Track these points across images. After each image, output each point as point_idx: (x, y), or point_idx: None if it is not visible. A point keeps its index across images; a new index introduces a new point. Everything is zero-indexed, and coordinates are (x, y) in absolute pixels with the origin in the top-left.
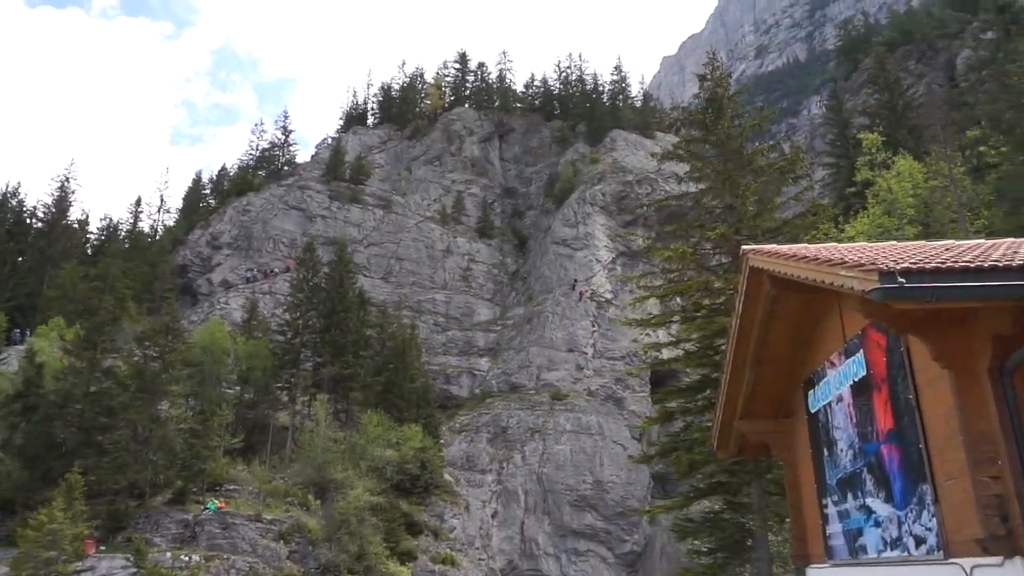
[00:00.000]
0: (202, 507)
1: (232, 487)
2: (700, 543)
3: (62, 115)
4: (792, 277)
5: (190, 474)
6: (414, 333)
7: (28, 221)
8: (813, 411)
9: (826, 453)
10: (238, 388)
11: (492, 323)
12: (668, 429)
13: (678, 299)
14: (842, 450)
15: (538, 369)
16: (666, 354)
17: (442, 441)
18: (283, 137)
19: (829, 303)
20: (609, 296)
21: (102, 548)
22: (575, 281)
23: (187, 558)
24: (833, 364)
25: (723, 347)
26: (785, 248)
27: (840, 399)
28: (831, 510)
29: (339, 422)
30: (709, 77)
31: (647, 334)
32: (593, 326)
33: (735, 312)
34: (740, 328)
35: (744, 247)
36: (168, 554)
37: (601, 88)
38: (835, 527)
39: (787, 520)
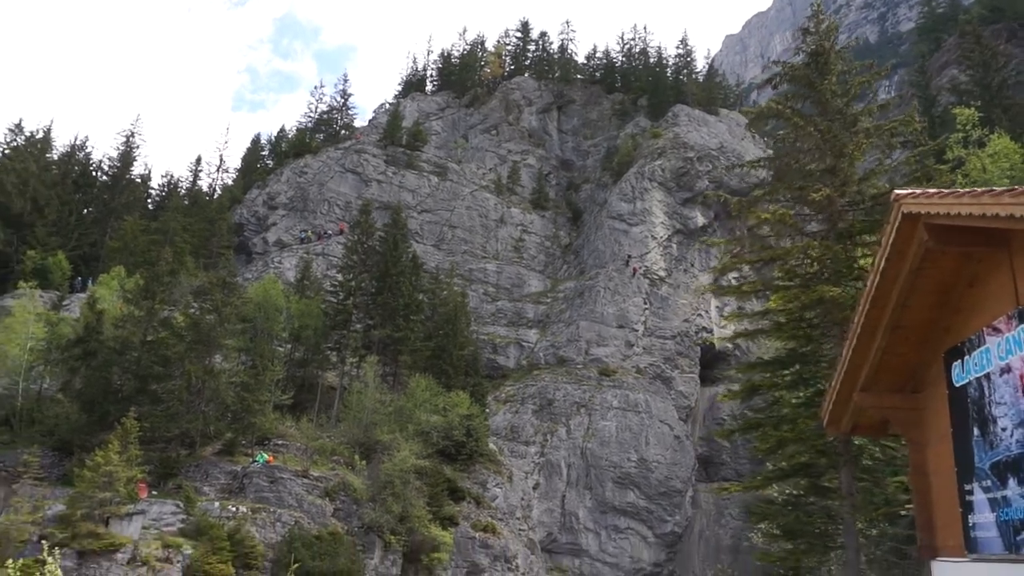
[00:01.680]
0: (251, 460)
1: (280, 442)
2: (778, 527)
3: (130, 75)
4: (961, 217)
5: (240, 427)
6: (464, 301)
7: (94, 174)
8: (959, 385)
9: (976, 432)
10: (289, 346)
11: (542, 295)
12: (749, 404)
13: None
14: (1004, 429)
15: (587, 344)
16: (748, 325)
17: (487, 410)
18: (342, 101)
19: (994, 259)
20: (663, 274)
21: (154, 493)
22: (629, 257)
23: (234, 508)
24: (997, 331)
25: (814, 319)
26: (948, 190)
27: (1007, 370)
28: (979, 497)
29: (387, 385)
30: (813, 30)
31: (700, 314)
32: (645, 303)
33: (873, 270)
34: (878, 288)
35: (896, 191)
36: (216, 503)
37: (665, 62)
38: (983, 517)
39: (879, 509)
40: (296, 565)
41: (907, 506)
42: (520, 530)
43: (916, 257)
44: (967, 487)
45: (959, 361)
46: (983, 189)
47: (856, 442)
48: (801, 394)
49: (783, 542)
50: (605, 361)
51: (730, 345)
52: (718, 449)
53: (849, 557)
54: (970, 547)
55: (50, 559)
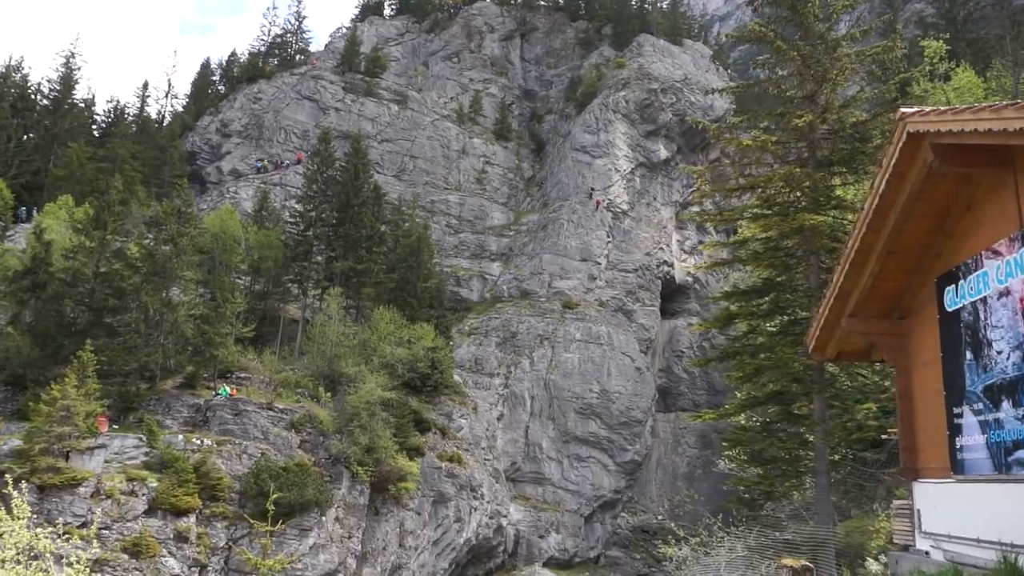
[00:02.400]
0: (214, 393)
1: (243, 375)
2: (752, 453)
3: None
4: (971, 135)
5: (201, 360)
6: (427, 233)
7: (33, 97)
8: (951, 309)
9: (969, 356)
10: (249, 278)
11: (505, 228)
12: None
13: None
14: (1000, 352)
15: (550, 277)
16: (725, 255)
17: (451, 343)
18: (296, 24)
19: (998, 179)
20: (625, 207)
21: (115, 427)
22: (592, 190)
23: (199, 441)
24: (997, 253)
25: (792, 248)
26: (953, 107)
27: (1006, 293)
28: (968, 420)
29: (350, 317)
30: None
31: (661, 247)
32: (608, 237)
33: (872, 192)
34: (875, 211)
35: (903, 109)
36: (180, 437)
37: None
38: (972, 439)
39: (852, 435)
40: (275, 495)
41: (880, 432)
42: (485, 460)
43: (917, 179)
44: (956, 410)
45: (952, 286)
46: (983, 104)
47: (828, 370)
48: (777, 322)
49: (756, 467)
50: (568, 294)
51: (690, 278)
52: (676, 380)
53: (819, 481)
54: (956, 468)
55: (15, 493)
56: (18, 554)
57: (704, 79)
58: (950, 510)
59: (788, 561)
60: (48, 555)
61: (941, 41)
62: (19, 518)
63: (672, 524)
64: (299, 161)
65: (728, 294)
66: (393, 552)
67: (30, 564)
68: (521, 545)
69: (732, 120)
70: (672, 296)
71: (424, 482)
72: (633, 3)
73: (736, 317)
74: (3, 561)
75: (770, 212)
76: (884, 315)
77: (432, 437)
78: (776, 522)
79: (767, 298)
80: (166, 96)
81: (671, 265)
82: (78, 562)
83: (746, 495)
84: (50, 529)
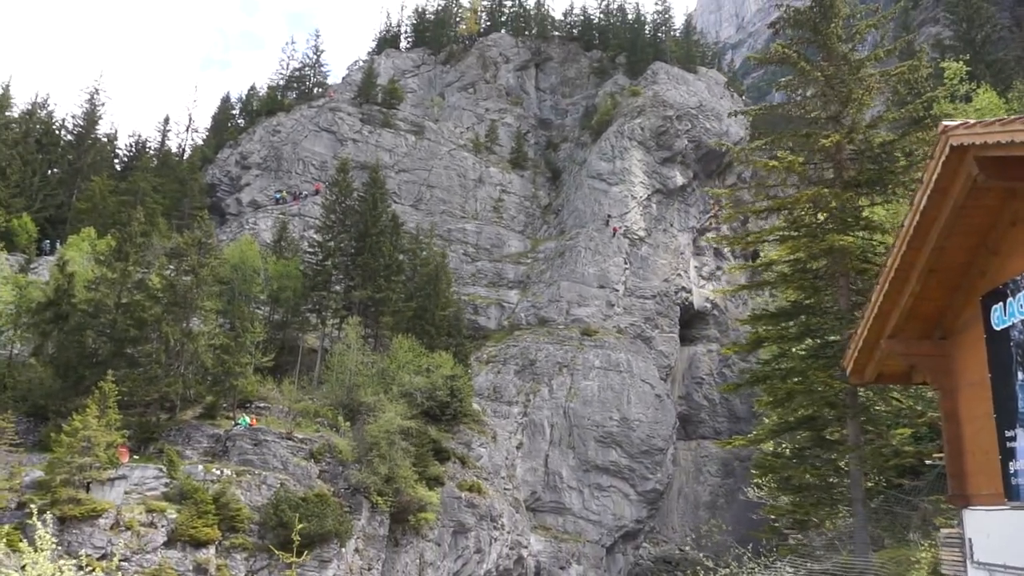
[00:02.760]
0: (233, 423)
1: (262, 405)
2: (784, 481)
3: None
4: (1018, 146)
5: (221, 390)
6: (445, 261)
7: (57, 132)
8: (999, 328)
9: (1020, 376)
10: (267, 308)
11: (523, 255)
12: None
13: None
14: None
15: (568, 304)
16: (751, 278)
17: (470, 371)
18: (314, 57)
19: None
20: (642, 234)
21: (135, 457)
22: (609, 216)
23: (218, 472)
24: None
25: (820, 270)
26: (997, 119)
27: None
28: (1023, 443)
29: (368, 346)
30: None
31: (679, 273)
32: (625, 263)
33: (912, 209)
34: (916, 228)
35: (945, 123)
36: (200, 467)
37: (643, 19)
38: None
39: (889, 461)
40: (300, 527)
41: (919, 458)
42: (505, 489)
43: (960, 195)
44: (1008, 433)
45: (1000, 304)
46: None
47: (861, 395)
48: (807, 345)
49: (788, 495)
50: (586, 321)
51: (708, 304)
52: (696, 407)
53: (856, 510)
54: (1010, 495)
55: (39, 525)
56: None
57: (719, 105)
58: (1005, 538)
59: None
60: None
61: (961, 63)
62: (42, 550)
63: (699, 554)
64: (317, 192)
65: (756, 317)
66: None
67: None
68: None
69: (755, 143)
70: (691, 322)
71: (444, 512)
72: (647, 32)
73: (765, 341)
74: None
75: (797, 234)
76: (925, 335)
77: (452, 466)
78: (810, 552)
79: (796, 321)
80: (187, 130)
81: (689, 291)
82: None
83: (776, 524)
84: (73, 561)
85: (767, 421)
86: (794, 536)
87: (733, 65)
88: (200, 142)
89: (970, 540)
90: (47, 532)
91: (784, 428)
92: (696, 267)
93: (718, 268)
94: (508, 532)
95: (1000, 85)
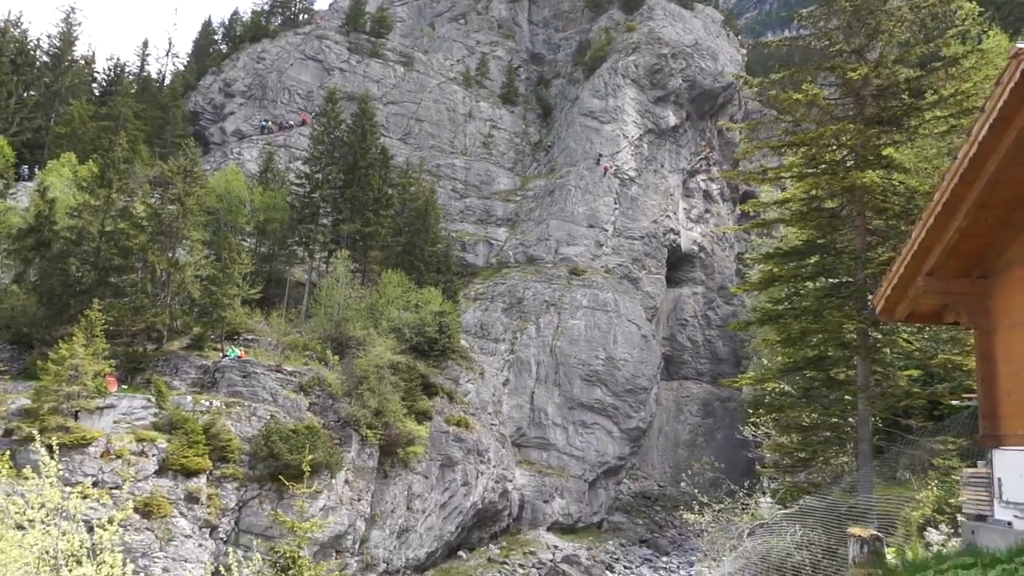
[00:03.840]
0: (221, 354)
1: (250, 337)
2: (792, 420)
3: None
4: None
5: (209, 321)
6: (434, 196)
7: (33, 53)
8: None
9: None
10: (254, 240)
11: (512, 193)
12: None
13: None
14: None
15: (556, 243)
16: (766, 214)
17: (458, 308)
18: None
19: None
20: (633, 174)
21: (123, 387)
22: (600, 155)
23: (208, 403)
24: None
25: (837, 208)
26: None
27: None
28: None
29: (357, 281)
30: None
31: (668, 215)
32: (615, 203)
33: (970, 139)
34: (972, 160)
35: (1019, 45)
36: (188, 398)
37: None
38: None
39: (900, 402)
40: (310, 457)
41: (931, 400)
42: (491, 425)
43: None
44: None
45: None
46: None
47: (871, 335)
48: (820, 285)
49: (796, 434)
50: (575, 260)
51: (695, 247)
52: (680, 349)
53: (861, 449)
54: None
55: (44, 451)
56: (48, 515)
57: (715, 44)
58: None
59: (857, 530)
60: (79, 516)
61: (973, 3)
62: (48, 476)
63: (693, 489)
64: (304, 123)
65: (769, 255)
66: (401, 515)
67: (59, 526)
68: (526, 509)
69: (774, 76)
70: (677, 265)
71: (432, 446)
72: None
73: (778, 279)
74: (31, 522)
75: (815, 171)
76: (963, 274)
77: (440, 401)
78: (816, 489)
79: (811, 260)
80: (167, 55)
81: (677, 233)
82: (110, 523)
83: (781, 462)
84: (78, 488)
85: (766, 362)
86: (795, 474)
87: (729, 1)
88: (181, 68)
89: (999, 480)
90: (51, 458)
91: (794, 368)
92: (685, 209)
93: (706, 211)
94: (494, 466)
95: (1010, 29)
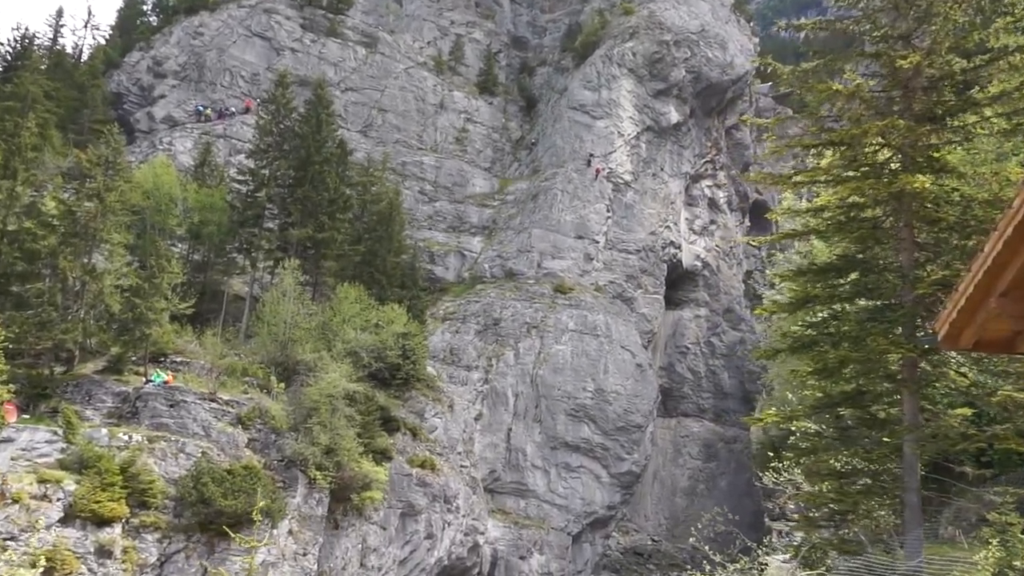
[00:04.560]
0: (145, 379)
1: (179, 359)
2: (828, 465)
3: None
4: None
5: (130, 339)
6: (399, 199)
7: None
8: None
9: None
10: (186, 245)
11: (489, 197)
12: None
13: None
14: None
15: (540, 255)
16: (798, 225)
17: (425, 329)
18: None
19: None
20: (628, 178)
21: (25, 417)
22: (591, 156)
23: (127, 437)
24: None
25: (880, 218)
26: None
27: None
28: None
29: (308, 295)
30: None
31: (668, 225)
32: (608, 211)
33: None
34: None
35: None
36: (104, 431)
37: None
38: None
39: (956, 445)
40: (262, 504)
41: (990, 443)
42: (461, 466)
43: None
44: None
45: None
46: None
47: (920, 367)
48: (858, 307)
49: (831, 481)
50: (560, 276)
51: (699, 264)
52: (679, 381)
53: (908, 500)
54: None
55: None
56: None
57: (723, 31)
58: None
59: None
60: None
61: None
62: None
63: (700, 543)
64: (248, 110)
65: (801, 272)
66: (353, 572)
67: None
68: (499, 567)
69: (806, 66)
70: (678, 283)
71: (391, 491)
72: None
73: (812, 299)
74: None
75: (856, 174)
76: None
77: (401, 438)
78: (858, 547)
79: (849, 278)
80: (86, 26)
81: (678, 247)
82: None
83: (812, 514)
84: None
85: (791, 396)
86: (825, 528)
87: None
88: (103, 42)
89: None
90: None
91: (828, 403)
92: (688, 219)
93: (712, 222)
94: (463, 516)
95: None
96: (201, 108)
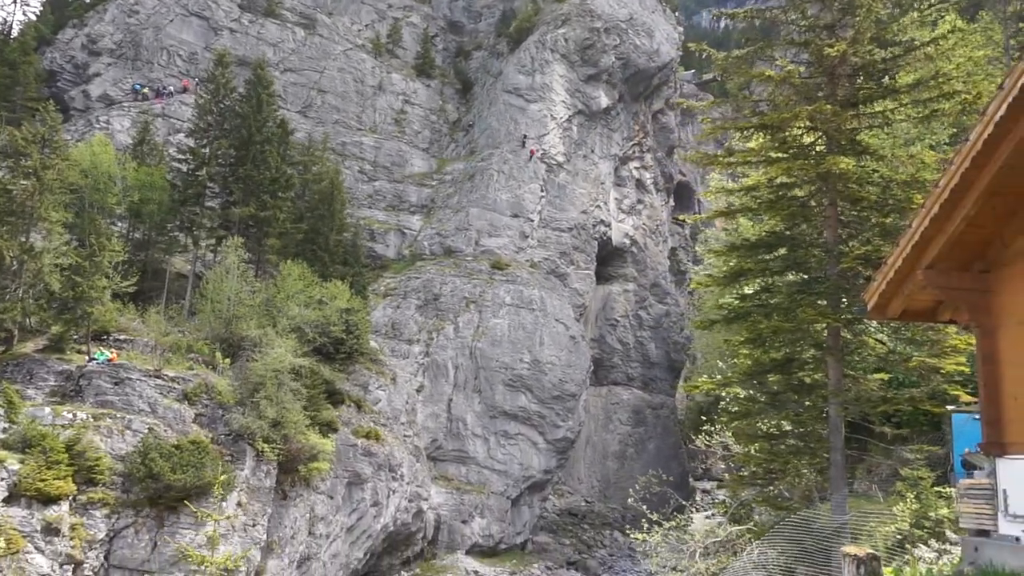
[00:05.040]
0: (88, 358)
1: (123, 338)
2: (760, 427)
3: None
4: None
5: (71, 318)
6: (340, 178)
7: None
8: None
9: None
10: (126, 224)
11: (427, 176)
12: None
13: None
14: None
15: (477, 233)
16: (737, 202)
17: (367, 305)
18: None
19: None
20: (561, 159)
21: None
22: (525, 137)
23: (71, 415)
24: None
25: (806, 197)
26: None
27: None
28: None
29: (252, 273)
30: None
31: (598, 205)
32: (542, 191)
33: (984, 120)
34: (986, 142)
35: None
36: (47, 409)
37: None
38: None
39: (877, 407)
40: (176, 476)
41: (909, 403)
42: (405, 436)
43: None
44: None
45: None
46: None
47: (843, 336)
48: (788, 280)
49: (761, 443)
50: (497, 253)
51: (627, 241)
52: (609, 351)
53: (834, 459)
54: None
55: None
56: None
57: (651, 20)
58: None
59: (851, 549)
60: None
61: None
62: None
63: (638, 504)
64: (185, 89)
65: (734, 247)
66: (302, 541)
67: None
68: (442, 531)
69: (738, 53)
70: (607, 260)
71: (338, 462)
72: None
73: (746, 273)
74: None
75: (786, 155)
76: (963, 268)
77: (346, 411)
78: (784, 503)
79: (778, 253)
80: (14, 1)
81: (608, 225)
82: None
83: (743, 473)
84: None
85: (721, 364)
86: (757, 487)
87: None
88: (34, 18)
89: (1004, 491)
90: None
91: (760, 370)
92: (616, 199)
93: (639, 201)
94: (407, 483)
95: (967, 14)
96: (139, 87)
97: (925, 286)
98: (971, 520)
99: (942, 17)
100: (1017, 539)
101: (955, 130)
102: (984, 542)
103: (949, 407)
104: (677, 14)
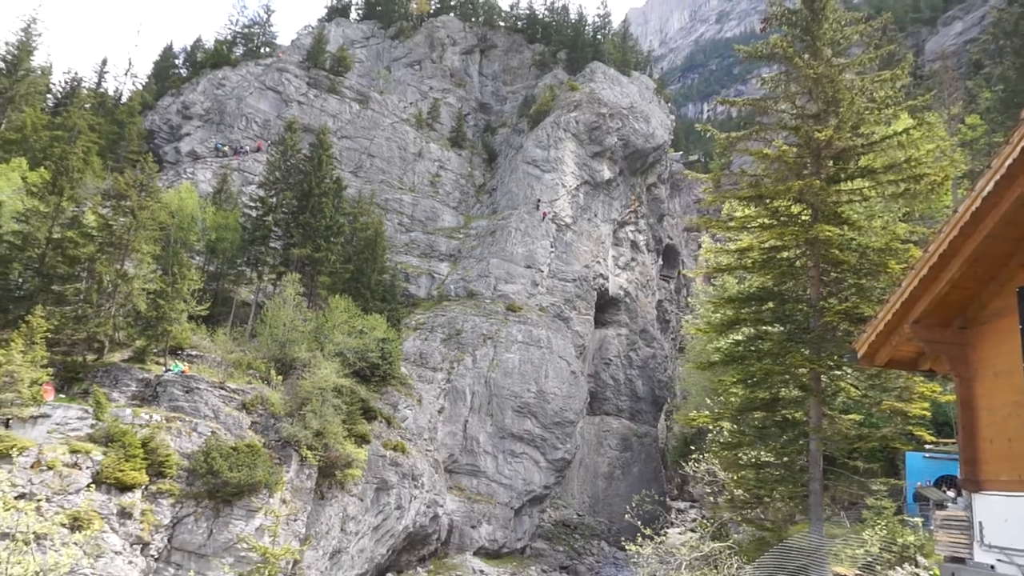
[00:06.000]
0: (165, 368)
1: (194, 353)
2: (749, 458)
3: None
4: None
5: (153, 334)
6: (383, 227)
7: None
8: None
9: None
10: (203, 258)
11: (455, 230)
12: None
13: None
14: None
15: (495, 280)
16: (725, 260)
17: (400, 336)
18: (265, 16)
19: None
20: (569, 220)
21: (61, 396)
22: (539, 201)
23: (147, 416)
24: None
25: (794, 258)
26: None
27: None
28: None
29: (304, 304)
30: None
31: (598, 261)
32: (552, 247)
33: (973, 194)
34: (974, 214)
35: None
36: (128, 410)
37: (585, 20)
38: None
39: (854, 444)
40: (234, 475)
41: (883, 442)
42: (426, 450)
43: None
44: None
45: None
46: None
47: (827, 382)
48: (778, 330)
49: (750, 471)
50: (512, 297)
51: (621, 292)
52: (603, 386)
53: (813, 488)
54: None
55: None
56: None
57: (648, 109)
58: None
59: (841, 570)
60: (33, 536)
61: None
62: None
63: (634, 521)
64: (259, 149)
65: (730, 299)
66: (335, 536)
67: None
68: (454, 534)
69: (734, 134)
70: (604, 307)
71: (369, 469)
72: (587, 32)
73: (740, 322)
74: None
75: (777, 223)
76: (945, 324)
77: (378, 426)
78: (764, 525)
79: (769, 306)
80: (126, 74)
81: (606, 278)
82: (64, 544)
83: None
84: (34, 504)
85: (709, 401)
86: (746, 510)
87: (662, 71)
88: (140, 88)
89: (980, 524)
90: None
91: (750, 407)
92: (614, 256)
93: (633, 259)
94: (427, 491)
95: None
96: (220, 145)
97: (911, 338)
98: (947, 548)
99: (897, 117)
100: (992, 567)
101: (907, 210)
102: (961, 568)
103: (919, 449)
104: (670, 104)
